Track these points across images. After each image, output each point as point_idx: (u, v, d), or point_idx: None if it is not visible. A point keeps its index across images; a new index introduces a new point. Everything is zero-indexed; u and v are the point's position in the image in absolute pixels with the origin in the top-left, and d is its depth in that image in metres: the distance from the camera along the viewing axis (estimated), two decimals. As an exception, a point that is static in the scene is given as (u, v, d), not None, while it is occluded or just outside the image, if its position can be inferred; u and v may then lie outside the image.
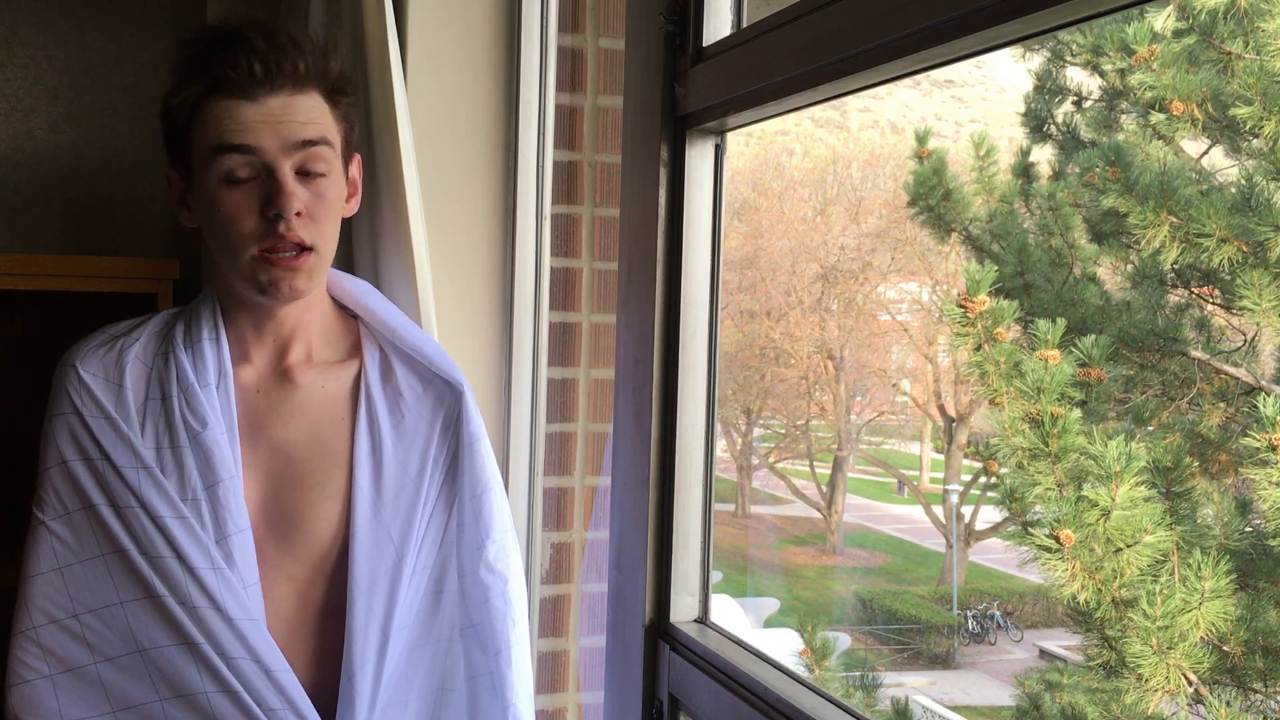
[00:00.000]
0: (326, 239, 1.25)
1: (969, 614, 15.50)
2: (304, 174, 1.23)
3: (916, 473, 20.18)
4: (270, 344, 1.29)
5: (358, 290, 1.38)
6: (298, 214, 1.20)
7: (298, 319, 1.29)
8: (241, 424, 1.26)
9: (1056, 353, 3.82)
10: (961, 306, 4.03)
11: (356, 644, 1.22)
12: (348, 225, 1.62)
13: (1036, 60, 5.80)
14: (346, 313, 1.38)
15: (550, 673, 1.97)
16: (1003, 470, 4.36)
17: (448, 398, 1.33)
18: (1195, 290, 4.86)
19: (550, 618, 1.96)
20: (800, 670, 2.50)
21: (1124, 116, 5.35)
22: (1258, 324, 4.23)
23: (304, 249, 1.22)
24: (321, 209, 1.23)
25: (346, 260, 1.63)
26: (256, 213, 1.20)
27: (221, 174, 1.20)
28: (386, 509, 1.26)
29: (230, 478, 1.21)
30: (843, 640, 6.98)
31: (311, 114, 1.24)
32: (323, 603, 1.25)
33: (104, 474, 1.19)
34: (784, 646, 6.32)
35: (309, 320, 1.30)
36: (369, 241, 1.59)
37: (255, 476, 1.25)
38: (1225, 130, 4.37)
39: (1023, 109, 5.86)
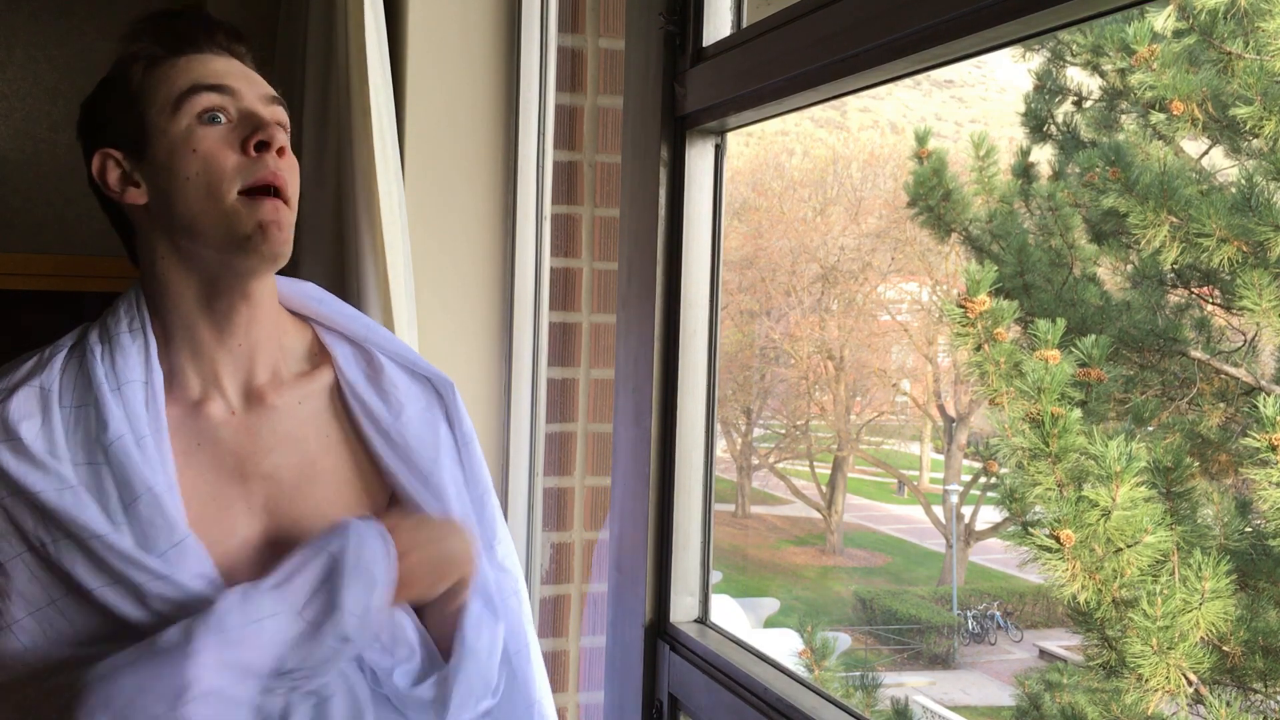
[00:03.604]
0: (296, 200, 1.15)
1: (969, 614, 15.51)
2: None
3: (916, 473, 20.19)
4: (237, 355, 1.17)
5: (307, 291, 1.26)
6: (279, 152, 1.12)
7: (260, 330, 1.17)
8: (227, 457, 1.15)
9: (1056, 353, 3.82)
10: (961, 307, 4.03)
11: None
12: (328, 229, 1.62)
13: (1036, 60, 5.81)
14: (295, 318, 1.26)
15: (550, 673, 1.97)
16: (1003, 470, 4.36)
17: (444, 392, 1.27)
18: (1195, 290, 4.86)
19: (550, 618, 1.96)
20: (800, 670, 2.50)
21: (1124, 116, 5.36)
22: (1258, 324, 4.23)
23: (287, 202, 1.13)
24: (293, 161, 1.15)
25: (337, 270, 1.63)
26: (237, 149, 1.11)
27: (195, 113, 1.11)
28: (429, 501, 1.21)
29: (147, 490, 1.07)
30: (843, 640, 6.98)
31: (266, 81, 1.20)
32: None
33: (21, 511, 1.06)
34: (784, 646, 6.32)
35: (269, 327, 1.18)
36: (348, 246, 1.59)
37: (253, 509, 1.15)
38: (1225, 130, 4.37)
39: (1023, 109, 5.86)
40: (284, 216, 1.11)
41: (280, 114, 1.16)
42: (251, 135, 1.11)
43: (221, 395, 1.16)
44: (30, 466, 1.07)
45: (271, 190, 1.11)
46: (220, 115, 1.12)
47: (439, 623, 1.17)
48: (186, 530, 1.09)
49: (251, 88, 1.15)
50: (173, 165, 1.11)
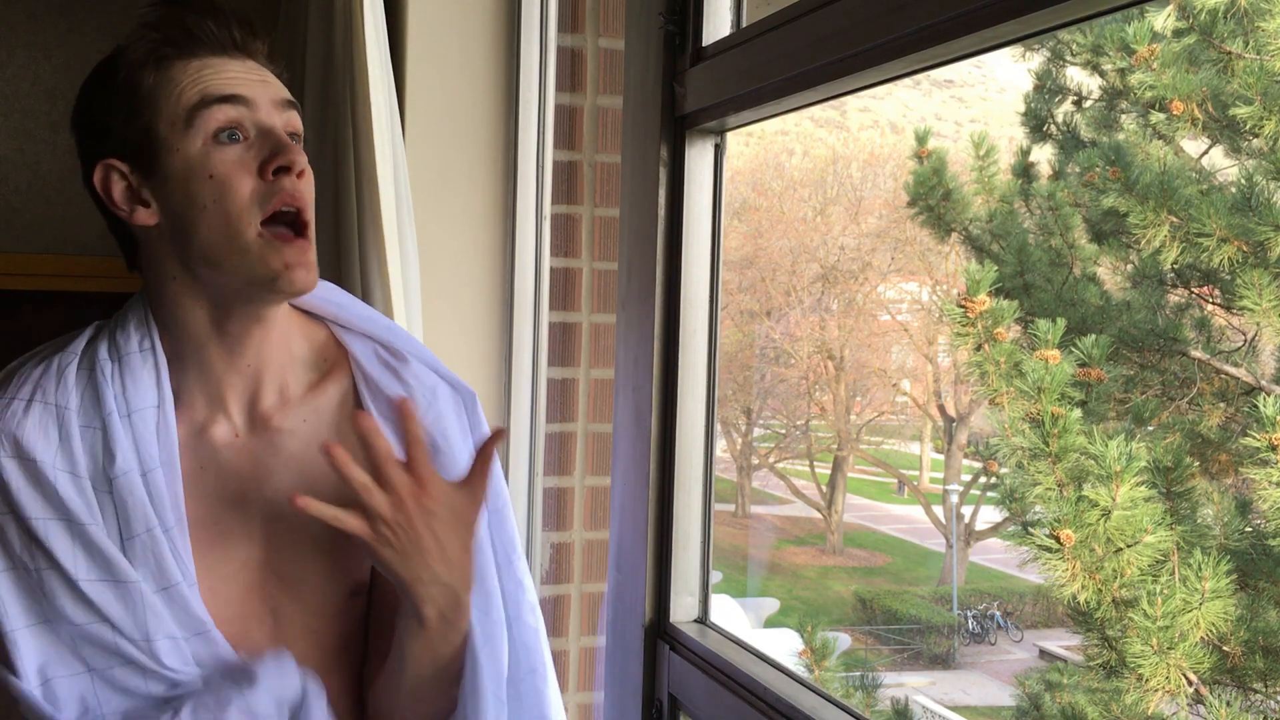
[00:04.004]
0: (313, 224, 1.10)
1: (969, 614, 15.51)
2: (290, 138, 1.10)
3: (916, 473, 20.20)
4: (245, 375, 1.12)
5: (325, 295, 1.21)
6: (300, 174, 1.06)
7: (271, 348, 1.13)
8: (230, 481, 1.11)
9: (1056, 353, 3.83)
10: (961, 306, 4.04)
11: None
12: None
13: (1036, 60, 5.81)
14: (307, 317, 1.21)
15: (550, 673, 1.97)
16: (1003, 470, 4.36)
17: (468, 402, 1.22)
18: (1195, 290, 4.86)
19: (550, 618, 1.96)
20: (800, 670, 2.50)
21: (1124, 116, 5.36)
22: (1258, 324, 4.23)
23: (306, 227, 1.07)
24: (311, 178, 1.10)
25: (334, 274, 1.63)
26: (255, 172, 1.05)
27: (210, 132, 1.05)
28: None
29: (145, 531, 1.04)
30: (843, 640, 6.98)
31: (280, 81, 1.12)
32: (336, 640, 1.17)
33: (8, 530, 1.04)
34: (784, 646, 6.32)
35: (280, 343, 1.14)
36: (347, 248, 1.59)
37: (253, 536, 1.12)
38: (1225, 130, 4.38)
39: (1023, 109, 5.87)
40: (309, 256, 1.07)
41: (295, 121, 1.10)
42: (271, 159, 1.05)
43: (227, 417, 1.12)
44: (36, 491, 1.04)
45: (293, 217, 1.06)
46: (237, 133, 1.06)
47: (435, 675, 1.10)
48: (179, 578, 1.06)
49: (266, 93, 1.08)
50: (187, 189, 1.05)
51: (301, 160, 1.07)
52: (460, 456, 1.17)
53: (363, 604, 1.18)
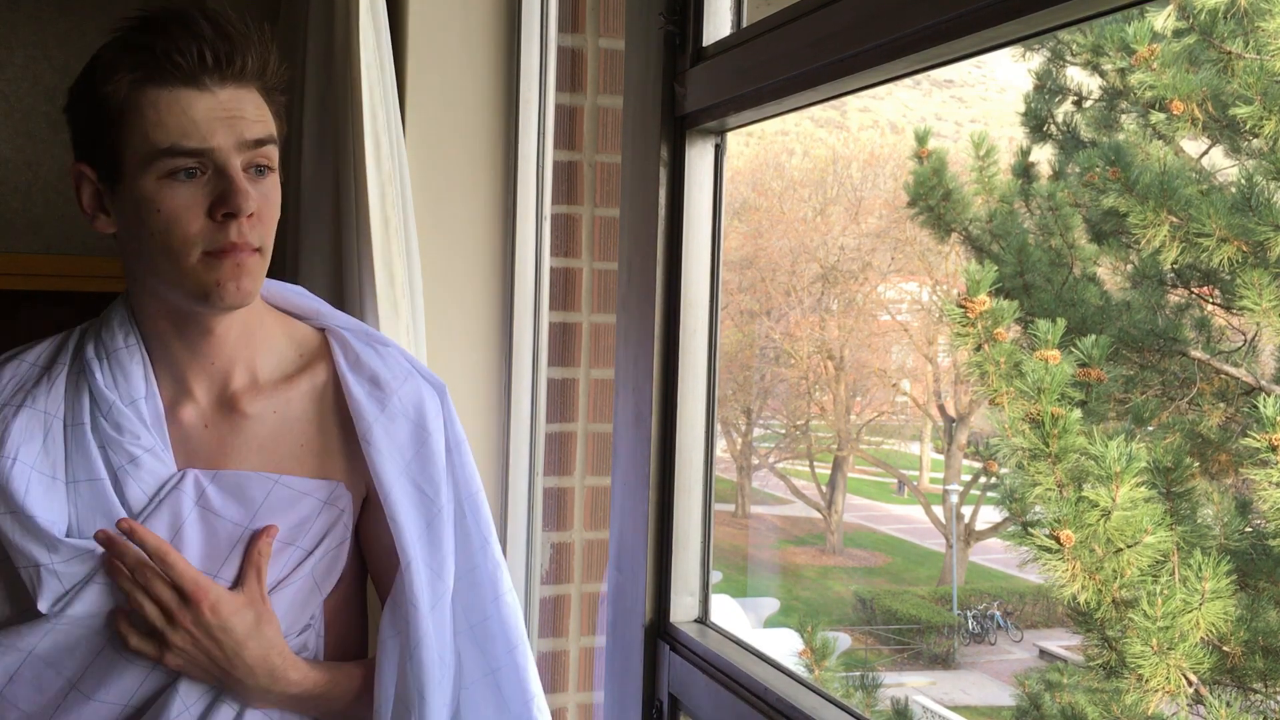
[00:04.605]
0: (271, 241, 1.14)
1: (969, 614, 15.51)
2: (251, 170, 1.11)
3: (916, 473, 20.19)
4: (210, 371, 1.17)
5: (302, 305, 1.27)
6: (249, 217, 1.09)
7: (238, 337, 1.17)
8: (198, 464, 1.16)
9: (1056, 353, 3.82)
10: (961, 307, 4.04)
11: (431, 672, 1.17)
12: (292, 228, 1.62)
13: (1036, 60, 5.81)
14: (289, 318, 1.26)
15: (550, 673, 1.97)
16: (1003, 470, 4.36)
17: (439, 389, 1.26)
18: (1195, 290, 4.86)
19: (550, 618, 1.96)
20: (800, 670, 2.50)
21: (1124, 116, 5.36)
22: (1258, 324, 4.23)
23: (253, 250, 1.11)
24: (268, 210, 1.12)
25: (335, 274, 1.63)
26: (204, 213, 1.08)
27: (166, 171, 1.08)
28: (432, 521, 1.21)
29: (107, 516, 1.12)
30: (843, 640, 6.98)
31: (259, 110, 1.13)
32: (333, 596, 1.22)
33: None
34: (784, 646, 6.32)
35: (248, 335, 1.18)
36: (348, 250, 1.59)
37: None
38: (1225, 130, 4.38)
39: (1023, 109, 5.86)
40: (244, 272, 1.10)
41: (264, 155, 1.12)
42: (219, 204, 1.08)
43: (194, 403, 1.17)
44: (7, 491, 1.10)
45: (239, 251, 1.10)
46: (195, 170, 1.08)
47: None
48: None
49: (231, 136, 1.09)
50: (139, 213, 1.09)
51: (251, 204, 1.09)
52: (436, 437, 1.22)
53: (345, 589, 1.24)
